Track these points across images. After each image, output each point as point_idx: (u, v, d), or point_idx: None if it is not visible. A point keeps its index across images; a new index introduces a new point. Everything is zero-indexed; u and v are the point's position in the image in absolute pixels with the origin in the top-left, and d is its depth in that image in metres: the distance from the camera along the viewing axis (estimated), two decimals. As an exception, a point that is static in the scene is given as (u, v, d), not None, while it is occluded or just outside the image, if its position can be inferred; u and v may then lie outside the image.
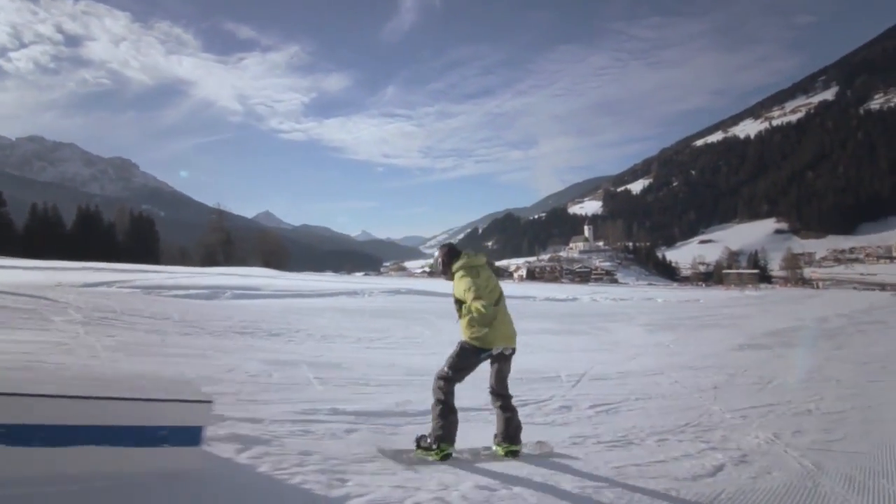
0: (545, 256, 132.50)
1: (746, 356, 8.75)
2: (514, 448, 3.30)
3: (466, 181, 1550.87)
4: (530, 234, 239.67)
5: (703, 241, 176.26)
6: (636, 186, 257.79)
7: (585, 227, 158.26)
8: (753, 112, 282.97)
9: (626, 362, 7.69)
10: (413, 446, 3.25)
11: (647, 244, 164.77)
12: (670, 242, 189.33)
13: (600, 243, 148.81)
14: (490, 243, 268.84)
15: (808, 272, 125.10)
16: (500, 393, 3.38)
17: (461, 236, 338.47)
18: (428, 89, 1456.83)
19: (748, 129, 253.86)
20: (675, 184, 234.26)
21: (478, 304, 3.08)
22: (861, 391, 6.21)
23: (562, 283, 56.75)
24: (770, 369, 7.41)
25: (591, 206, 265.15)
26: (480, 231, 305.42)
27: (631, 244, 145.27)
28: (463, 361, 3.28)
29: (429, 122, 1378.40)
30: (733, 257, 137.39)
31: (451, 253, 3.49)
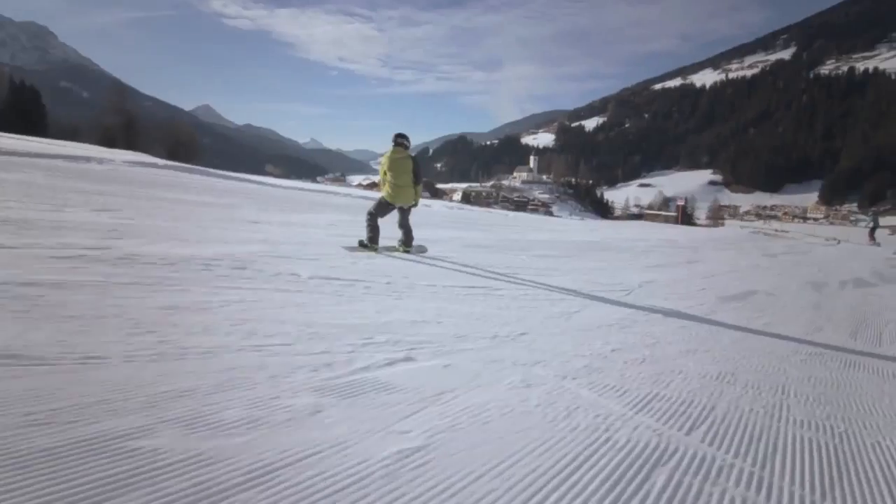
0: (489, 183, 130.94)
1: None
2: (406, 249, 6.01)
3: (426, 98, 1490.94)
4: (480, 160, 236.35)
5: (642, 185, 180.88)
6: (590, 123, 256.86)
7: (531, 158, 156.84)
8: (714, 62, 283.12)
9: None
10: (358, 246, 5.80)
11: (590, 182, 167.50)
12: (612, 182, 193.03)
13: (544, 176, 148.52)
14: (439, 165, 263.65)
15: (728, 223, 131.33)
16: (402, 224, 6.03)
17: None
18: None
19: (706, 78, 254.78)
20: (627, 125, 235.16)
21: (381, 177, 6.18)
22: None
23: (492, 209, 54.87)
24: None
25: (544, 138, 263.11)
26: (431, 152, 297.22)
27: (573, 180, 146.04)
28: (380, 207, 5.97)
29: (391, 27, 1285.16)
30: (665, 202, 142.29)
31: (395, 138, 6.06)
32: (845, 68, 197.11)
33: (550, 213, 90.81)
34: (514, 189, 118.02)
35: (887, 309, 5.87)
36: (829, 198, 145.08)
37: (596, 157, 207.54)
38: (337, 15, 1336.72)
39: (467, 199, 74.81)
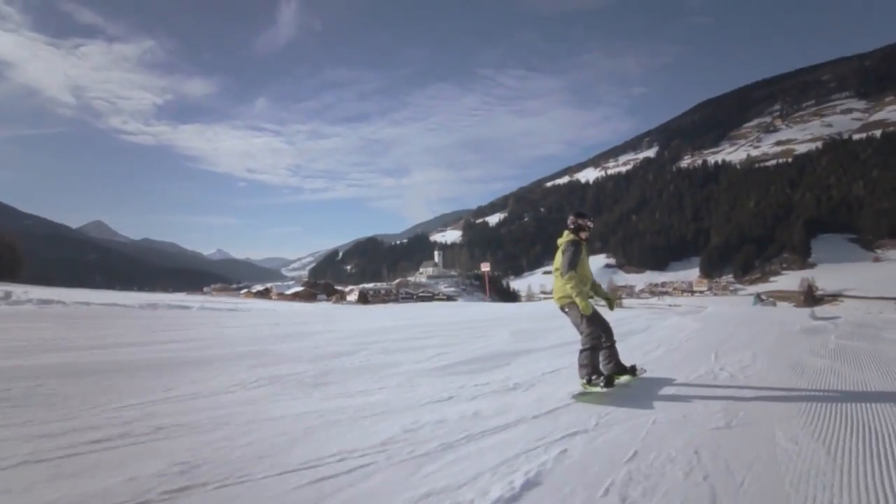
0: (395, 281, 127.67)
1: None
2: (589, 383, 4.24)
3: (337, 204, 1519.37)
4: (390, 259, 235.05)
5: (546, 272, 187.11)
6: (493, 219, 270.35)
7: (436, 253, 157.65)
8: (594, 162, 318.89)
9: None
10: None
11: (497, 273, 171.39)
12: (519, 272, 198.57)
13: (452, 271, 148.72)
14: (349, 267, 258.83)
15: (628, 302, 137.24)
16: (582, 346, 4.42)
17: (322, 259, 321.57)
18: (302, 107, 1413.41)
19: (589, 175, 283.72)
20: (526, 219, 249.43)
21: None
22: None
23: (388, 304, 50.22)
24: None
25: (452, 235, 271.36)
26: (340, 255, 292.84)
27: (478, 271, 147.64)
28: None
29: (300, 140, 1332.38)
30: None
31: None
32: (700, 162, 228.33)
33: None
34: (419, 284, 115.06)
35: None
36: (709, 271, 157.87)
37: (500, 249, 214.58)
38: (244, 130, 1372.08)
39: (364, 297, 69.55)
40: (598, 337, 4.21)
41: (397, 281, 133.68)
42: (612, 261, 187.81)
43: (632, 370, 4.57)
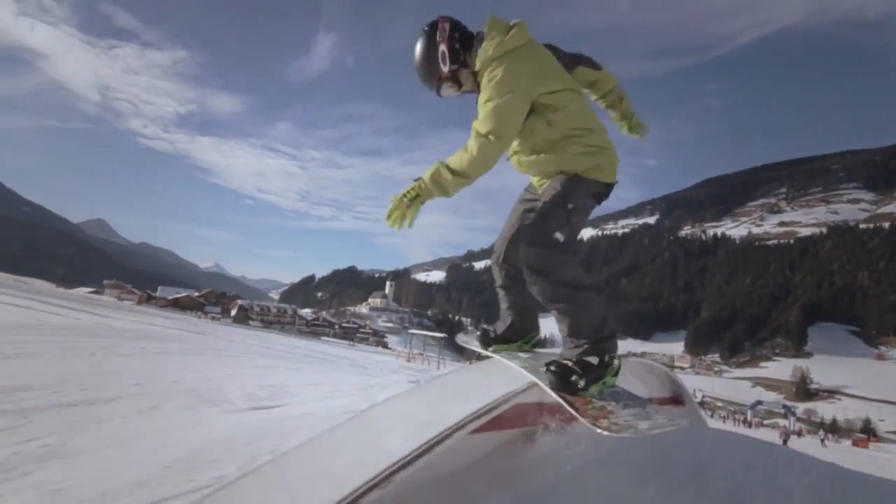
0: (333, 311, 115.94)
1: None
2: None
3: (341, 235, 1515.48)
4: (366, 290, 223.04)
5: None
6: (480, 264, 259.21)
7: (387, 284, 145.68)
8: (593, 223, 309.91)
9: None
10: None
11: (470, 318, 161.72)
12: (492, 321, 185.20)
13: (401, 306, 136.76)
14: (320, 294, 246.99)
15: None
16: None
17: (297, 284, 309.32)
18: (320, 134, 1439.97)
19: (585, 235, 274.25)
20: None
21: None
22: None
23: (269, 332, 38.85)
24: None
25: (436, 276, 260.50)
26: (317, 279, 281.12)
27: (430, 312, 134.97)
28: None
29: (314, 166, 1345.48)
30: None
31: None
32: (699, 232, 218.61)
33: (383, 344, 74.26)
34: (357, 315, 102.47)
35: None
36: (694, 347, 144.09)
37: (479, 296, 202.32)
38: (261, 149, 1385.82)
39: (244, 316, 57.39)
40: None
41: (332, 311, 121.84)
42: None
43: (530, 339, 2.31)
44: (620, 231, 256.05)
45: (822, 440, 40.58)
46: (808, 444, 33.18)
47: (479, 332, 2.31)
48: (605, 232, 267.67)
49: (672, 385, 2.96)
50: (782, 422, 68.56)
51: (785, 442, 20.61)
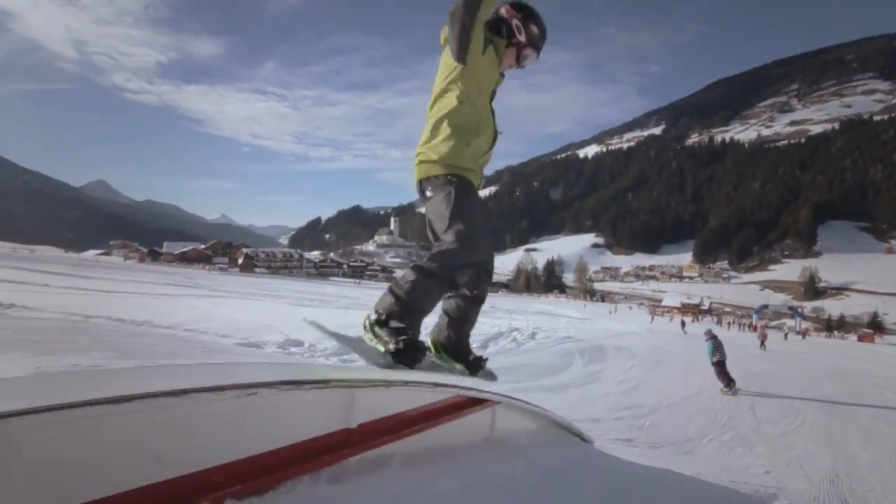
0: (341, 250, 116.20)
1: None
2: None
3: (343, 174, 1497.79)
4: (372, 228, 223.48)
5: (528, 250, 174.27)
6: (484, 192, 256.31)
7: (391, 220, 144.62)
8: (598, 139, 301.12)
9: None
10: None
11: None
12: (500, 249, 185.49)
13: (408, 241, 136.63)
14: (328, 236, 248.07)
15: (608, 286, 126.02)
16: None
17: (304, 227, 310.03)
18: (308, 71, 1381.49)
19: (590, 151, 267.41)
20: (517, 193, 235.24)
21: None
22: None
23: (275, 277, 38.51)
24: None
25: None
26: (323, 221, 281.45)
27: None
28: None
29: (306, 106, 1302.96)
30: (552, 266, 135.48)
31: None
32: (707, 139, 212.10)
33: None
34: (364, 254, 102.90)
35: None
36: (702, 256, 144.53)
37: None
38: (249, 93, 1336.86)
39: (249, 265, 56.93)
40: (462, 260, 1.88)
41: (340, 251, 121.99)
42: (600, 240, 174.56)
43: (475, 363, 2.17)
44: (626, 145, 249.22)
45: (786, 335, 40.81)
46: (813, 343, 33.72)
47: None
48: (609, 147, 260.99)
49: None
50: (790, 322, 69.93)
51: (762, 344, 20.64)
